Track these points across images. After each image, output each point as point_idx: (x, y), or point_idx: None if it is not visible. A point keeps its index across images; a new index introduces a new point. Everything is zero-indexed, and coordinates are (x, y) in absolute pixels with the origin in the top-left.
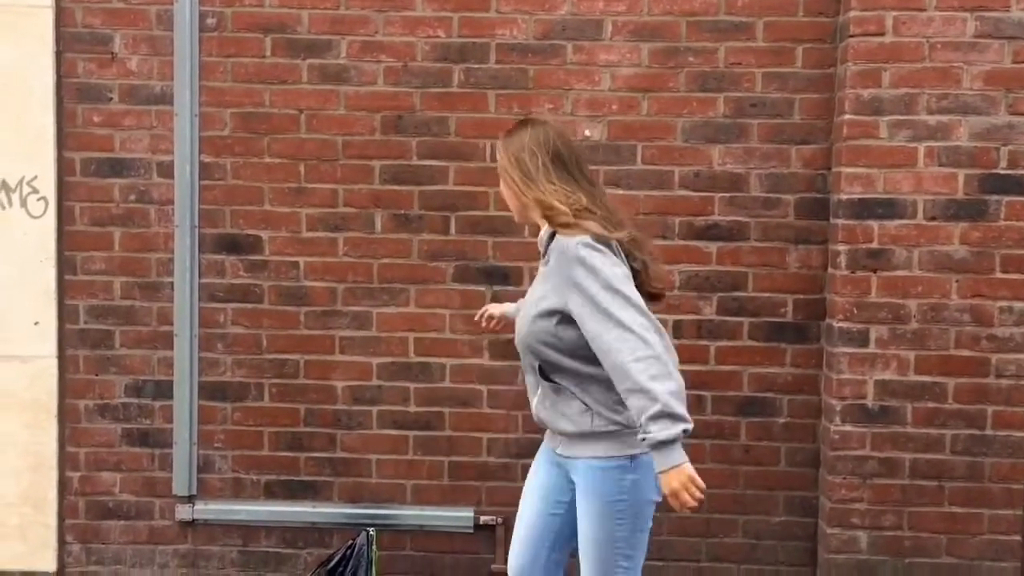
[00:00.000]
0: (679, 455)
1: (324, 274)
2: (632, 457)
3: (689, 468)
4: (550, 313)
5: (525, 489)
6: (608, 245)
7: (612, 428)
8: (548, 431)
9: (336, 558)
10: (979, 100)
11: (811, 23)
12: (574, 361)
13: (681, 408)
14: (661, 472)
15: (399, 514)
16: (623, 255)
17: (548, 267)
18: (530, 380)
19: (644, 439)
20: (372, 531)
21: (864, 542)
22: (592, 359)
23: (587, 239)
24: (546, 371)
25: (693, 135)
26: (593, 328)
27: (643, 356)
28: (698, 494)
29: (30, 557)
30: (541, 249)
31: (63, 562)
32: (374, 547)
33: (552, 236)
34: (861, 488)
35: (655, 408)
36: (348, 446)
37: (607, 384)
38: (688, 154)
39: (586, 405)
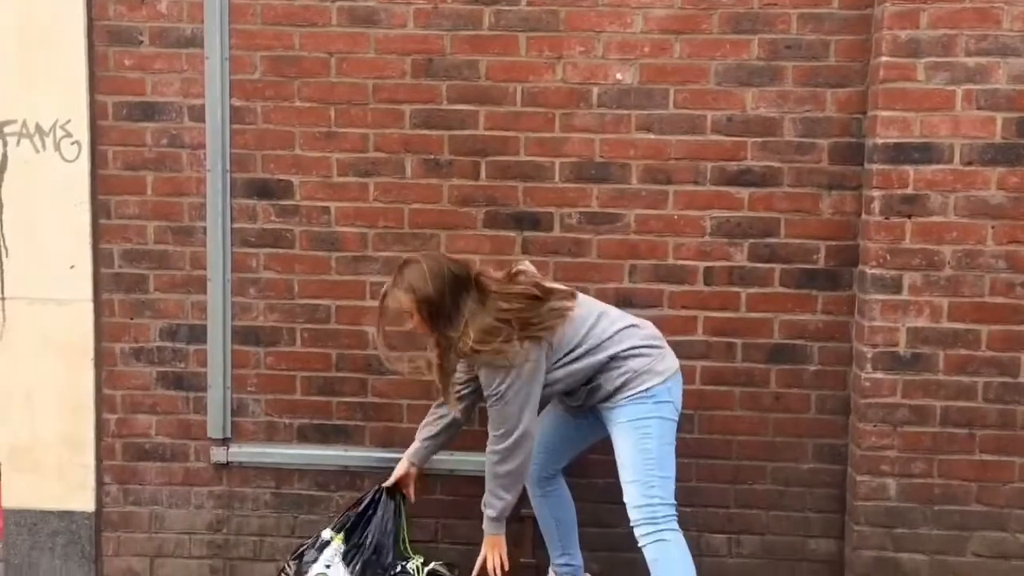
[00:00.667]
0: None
1: (355, 219)
2: (647, 390)
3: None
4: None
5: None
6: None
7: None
8: None
9: (365, 501)
10: (1019, 42)
11: None
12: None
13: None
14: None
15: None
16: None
17: None
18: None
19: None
20: None
21: (893, 489)
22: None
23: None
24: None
25: (726, 78)
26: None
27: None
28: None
29: (68, 497)
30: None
31: (101, 502)
32: (401, 491)
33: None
34: (891, 436)
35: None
36: (379, 391)
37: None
38: (721, 98)
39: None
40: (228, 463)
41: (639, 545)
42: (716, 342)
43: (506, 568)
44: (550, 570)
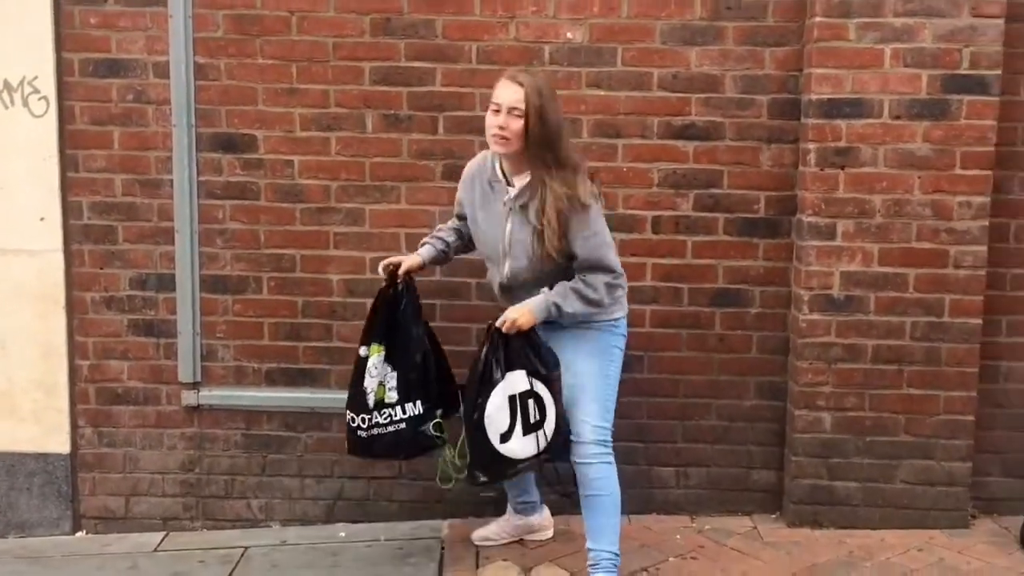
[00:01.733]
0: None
1: (318, 172)
2: (617, 319)
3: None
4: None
5: None
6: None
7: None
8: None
9: (380, 306)
10: (943, 3)
11: None
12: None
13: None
14: (526, 308)
15: None
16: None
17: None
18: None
19: (554, 299)
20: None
21: (828, 423)
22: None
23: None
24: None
25: (671, 38)
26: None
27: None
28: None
29: (44, 439)
30: (515, 191)
31: (76, 444)
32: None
33: (533, 189)
34: (826, 373)
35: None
36: (344, 336)
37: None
38: (666, 56)
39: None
40: (199, 406)
41: (583, 462)
42: (664, 287)
43: (521, 329)
44: (508, 506)
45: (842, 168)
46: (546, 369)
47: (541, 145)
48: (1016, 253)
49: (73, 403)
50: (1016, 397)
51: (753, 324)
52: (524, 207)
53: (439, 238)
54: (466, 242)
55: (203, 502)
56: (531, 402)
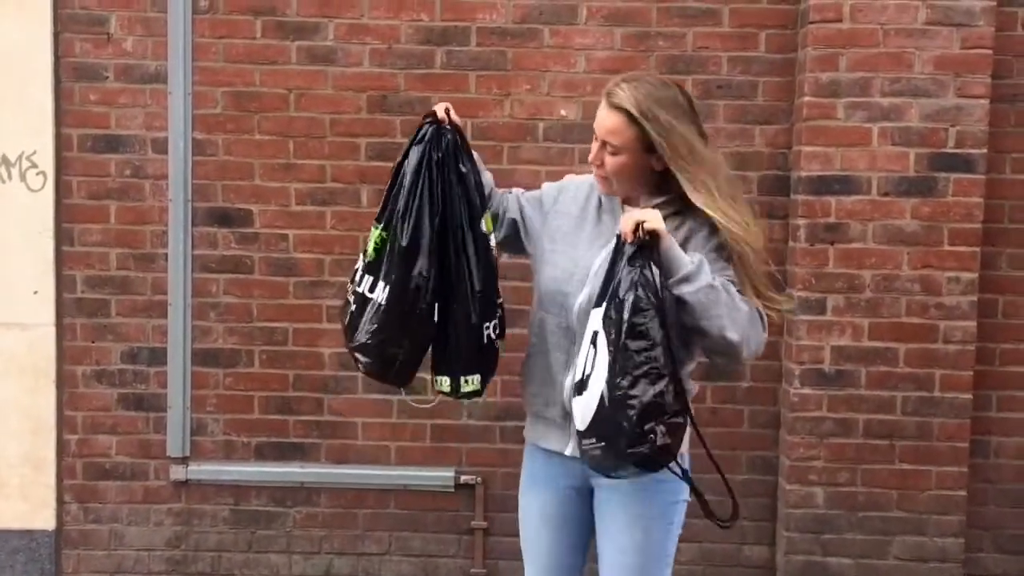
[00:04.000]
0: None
1: (312, 246)
2: (681, 454)
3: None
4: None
5: (534, 527)
6: None
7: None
8: (547, 446)
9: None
10: (929, 83)
11: (774, 10)
12: None
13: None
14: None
15: (384, 474)
16: None
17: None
18: (575, 355)
19: (698, 261)
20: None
21: (821, 497)
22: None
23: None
24: None
25: None
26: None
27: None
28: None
29: (30, 516)
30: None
31: (62, 520)
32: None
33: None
34: (818, 447)
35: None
36: (335, 410)
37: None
38: None
39: None
40: (187, 481)
41: None
42: None
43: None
44: None
45: (832, 244)
46: (614, 304)
47: (684, 172)
48: (1005, 328)
49: (60, 478)
50: (1007, 472)
51: (744, 398)
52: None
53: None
54: (500, 208)
55: None
56: (591, 350)
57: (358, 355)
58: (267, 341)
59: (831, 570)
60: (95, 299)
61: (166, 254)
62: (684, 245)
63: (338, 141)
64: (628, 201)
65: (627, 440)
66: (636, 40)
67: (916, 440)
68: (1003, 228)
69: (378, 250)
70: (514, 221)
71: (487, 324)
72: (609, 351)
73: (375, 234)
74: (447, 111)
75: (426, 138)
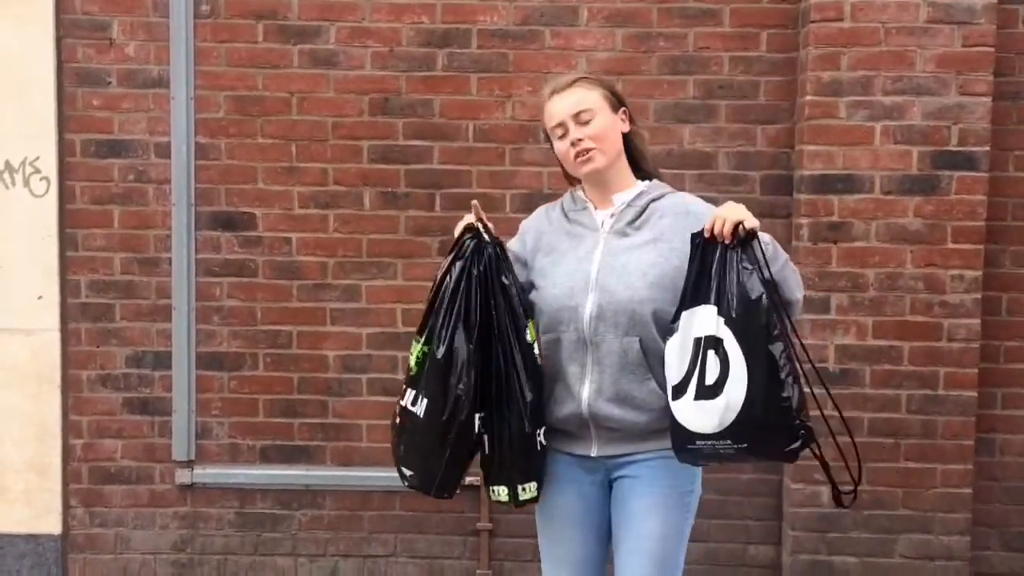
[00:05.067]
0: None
1: (315, 249)
2: None
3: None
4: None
5: (560, 527)
6: None
7: None
8: (571, 451)
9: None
10: (931, 82)
11: (775, 9)
12: (662, 336)
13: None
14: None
15: (389, 476)
16: None
17: (656, 228)
18: (591, 364)
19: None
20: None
21: (825, 496)
22: (665, 331)
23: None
24: (644, 351)
25: (665, 115)
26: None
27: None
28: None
29: (36, 521)
30: (617, 209)
31: (67, 525)
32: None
33: (649, 196)
34: (823, 446)
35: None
36: (339, 412)
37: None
38: (660, 133)
39: (661, 388)
40: (192, 484)
41: None
42: None
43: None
44: None
45: (835, 243)
46: (743, 309)
47: (637, 136)
48: (1009, 326)
49: (65, 483)
50: (1012, 470)
51: None
52: (632, 222)
53: None
54: None
55: None
56: (711, 354)
57: (403, 469)
58: (271, 344)
59: (837, 569)
60: (99, 304)
61: (170, 258)
62: (660, 220)
63: (340, 144)
64: (599, 187)
65: (787, 438)
66: (637, 41)
67: (921, 438)
68: (1006, 225)
69: (420, 364)
70: None
71: (538, 431)
72: (744, 355)
73: (416, 348)
74: (482, 222)
75: (467, 253)
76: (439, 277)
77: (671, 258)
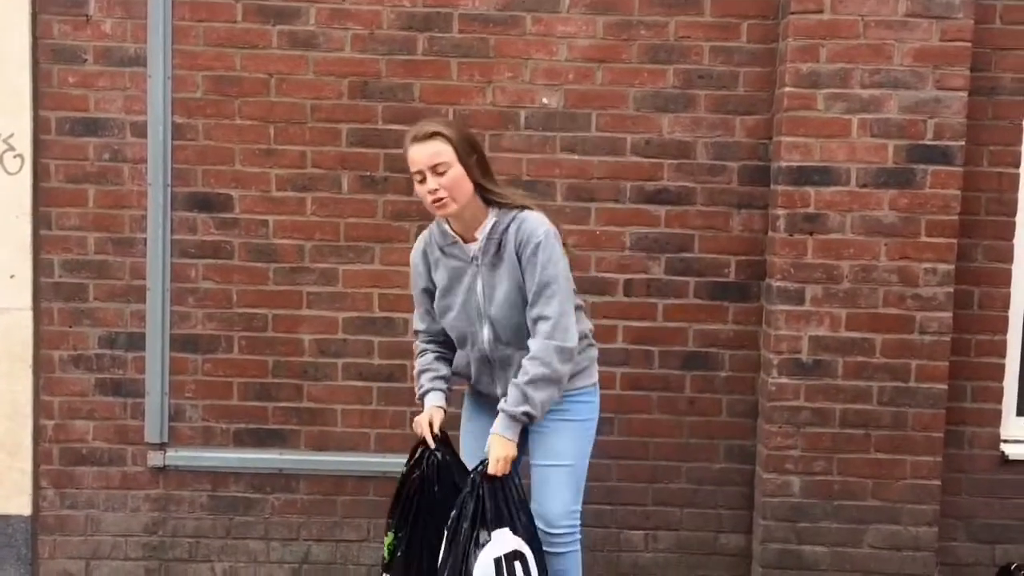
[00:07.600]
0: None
1: (292, 232)
2: (595, 384)
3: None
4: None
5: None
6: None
7: (586, 363)
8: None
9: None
10: (909, 75)
11: (755, 0)
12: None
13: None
14: (499, 436)
15: (363, 461)
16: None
17: (507, 252)
18: (497, 370)
19: (520, 408)
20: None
21: (797, 486)
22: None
23: (551, 228)
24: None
25: (644, 104)
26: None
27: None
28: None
29: (6, 502)
30: (480, 245)
31: (38, 506)
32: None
33: (501, 227)
34: (795, 436)
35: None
36: (314, 396)
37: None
38: (640, 122)
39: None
40: (165, 467)
41: (555, 551)
42: (635, 350)
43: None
44: None
45: (811, 234)
46: (525, 519)
47: (485, 176)
48: (980, 320)
49: (36, 464)
50: (980, 463)
51: (723, 387)
52: (496, 252)
53: (438, 376)
54: (449, 351)
55: (166, 565)
56: (517, 565)
57: None
58: (246, 327)
59: (806, 558)
60: (73, 283)
61: (145, 239)
62: (508, 246)
63: (319, 127)
64: (459, 222)
65: None
66: (618, 29)
67: (891, 430)
68: (980, 220)
69: (391, 552)
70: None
71: None
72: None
73: (388, 539)
74: (432, 430)
75: (416, 459)
76: (402, 475)
77: (518, 275)
